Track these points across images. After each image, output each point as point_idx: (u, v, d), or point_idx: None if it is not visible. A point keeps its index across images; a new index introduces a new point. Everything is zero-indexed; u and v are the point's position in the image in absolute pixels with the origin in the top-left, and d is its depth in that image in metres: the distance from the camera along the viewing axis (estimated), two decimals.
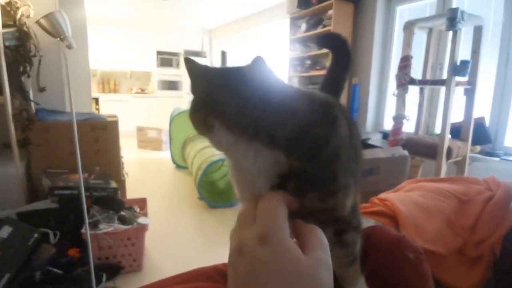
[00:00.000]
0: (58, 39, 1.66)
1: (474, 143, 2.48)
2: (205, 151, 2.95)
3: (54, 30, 1.66)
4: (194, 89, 0.39)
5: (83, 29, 2.75)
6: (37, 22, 1.66)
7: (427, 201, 0.94)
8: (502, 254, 0.95)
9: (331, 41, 0.48)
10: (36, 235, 1.56)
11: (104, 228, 1.70)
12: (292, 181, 0.39)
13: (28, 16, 2.08)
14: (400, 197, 0.94)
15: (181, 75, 6.60)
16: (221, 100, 0.36)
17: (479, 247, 0.88)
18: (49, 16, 1.65)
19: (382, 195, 0.99)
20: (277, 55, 4.63)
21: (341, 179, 0.41)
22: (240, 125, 0.36)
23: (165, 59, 6.48)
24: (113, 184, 1.95)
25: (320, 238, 0.33)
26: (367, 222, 0.84)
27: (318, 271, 0.28)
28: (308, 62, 3.85)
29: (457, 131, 2.41)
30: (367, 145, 2.52)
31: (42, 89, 2.08)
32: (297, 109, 0.38)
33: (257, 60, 0.37)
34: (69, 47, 1.69)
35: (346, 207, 0.43)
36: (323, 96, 0.47)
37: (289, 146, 0.38)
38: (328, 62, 3.42)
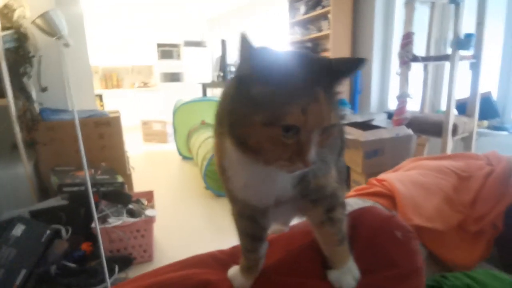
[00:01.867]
0: (55, 38, 1.66)
1: (481, 118, 2.43)
2: (209, 141, 2.96)
3: (50, 29, 1.66)
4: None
5: (81, 26, 2.75)
6: (33, 23, 1.67)
7: (426, 179, 0.93)
8: (505, 228, 0.94)
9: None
10: (48, 231, 1.61)
11: (113, 221, 1.75)
12: (313, 169, 0.40)
13: (24, 17, 2.08)
14: (399, 177, 0.94)
15: (183, 66, 6.58)
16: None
17: (480, 222, 0.88)
18: (44, 16, 1.65)
19: (381, 176, 0.99)
20: (278, 39, 4.56)
21: (327, 153, 0.43)
22: None
23: (166, 51, 6.46)
24: (120, 179, 1.99)
25: None
26: (365, 204, 0.84)
27: None
28: (309, 45, 3.79)
29: (463, 107, 2.36)
30: (371, 126, 2.50)
31: (44, 89, 2.10)
32: None
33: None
34: (66, 45, 1.70)
35: (333, 177, 0.46)
36: None
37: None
38: (329, 44, 3.36)
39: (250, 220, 0.49)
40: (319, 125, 0.33)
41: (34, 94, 2.16)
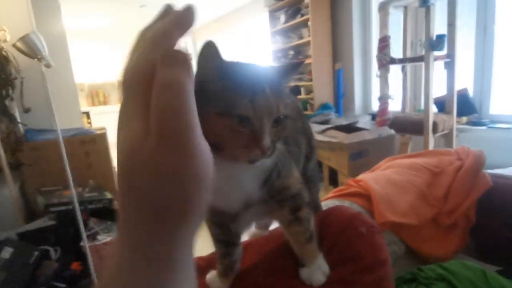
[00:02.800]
0: (36, 59, 1.68)
1: (460, 114, 2.51)
2: None
3: (30, 51, 1.68)
4: None
5: (64, 45, 2.76)
6: (14, 46, 1.68)
7: (400, 177, 0.97)
8: (478, 219, 0.98)
9: None
10: (36, 253, 1.60)
11: (103, 238, 1.74)
12: (276, 169, 0.44)
13: (5, 41, 2.09)
14: (375, 176, 0.98)
15: None
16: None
17: (452, 214, 0.92)
18: (24, 38, 1.67)
19: (358, 177, 1.02)
20: (260, 49, 4.64)
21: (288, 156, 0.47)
22: None
23: None
24: (108, 195, 1.99)
25: None
26: (343, 204, 0.88)
27: None
28: (291, 52, 3.87)
29: (442, 105, 2.44)
30: (355, 129, 2.55)
31: (27, 110, 2.10)
32: None
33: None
34: (48, 66, 1.71)
35: (298, 178, 0.49)
36: None
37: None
38: (310, 51, 3.44)
39: (221, 227, 0.52)
40: (268, 113, 0.39)
41: (17, 115, 2.16)
